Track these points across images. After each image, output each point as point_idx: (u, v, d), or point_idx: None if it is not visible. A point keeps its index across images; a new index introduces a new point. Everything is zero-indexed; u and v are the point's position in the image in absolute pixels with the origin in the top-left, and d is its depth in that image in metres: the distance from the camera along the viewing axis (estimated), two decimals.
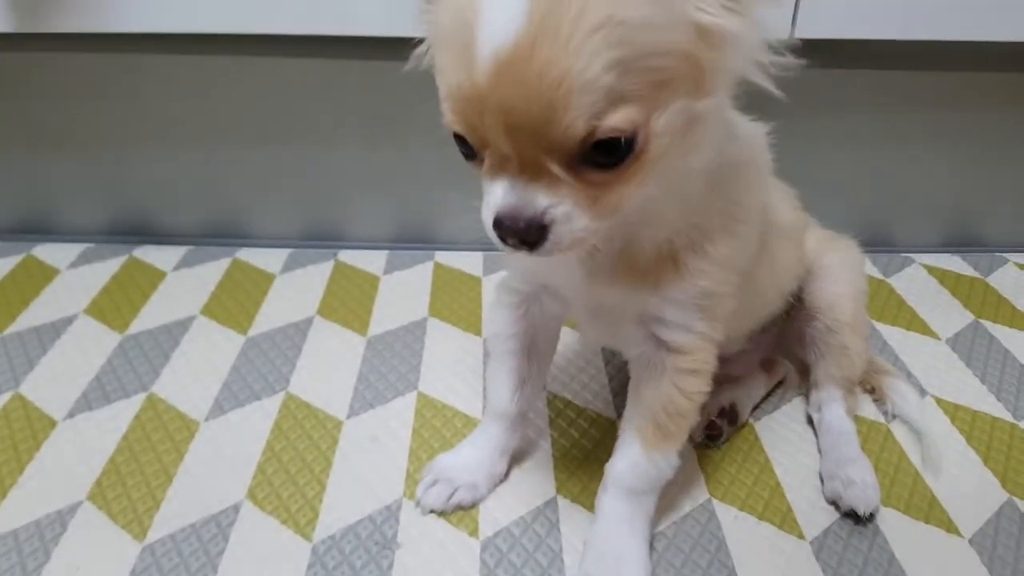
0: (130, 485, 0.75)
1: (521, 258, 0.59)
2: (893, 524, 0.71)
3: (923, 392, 0.89)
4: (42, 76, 1.11)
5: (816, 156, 1.12)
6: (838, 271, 0.81)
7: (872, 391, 0.89)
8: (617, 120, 0.42)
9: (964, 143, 1.12)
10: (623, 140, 0.44)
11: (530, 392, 0.74)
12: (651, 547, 0.68)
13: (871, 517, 0.72)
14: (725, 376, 0.79)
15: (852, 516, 0.72)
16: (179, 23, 1.01)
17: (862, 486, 0.72)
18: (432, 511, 0.72)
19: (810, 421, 0.84)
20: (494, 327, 0.73)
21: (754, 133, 0.62)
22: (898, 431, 0.83)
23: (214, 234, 1.22)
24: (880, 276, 1.14)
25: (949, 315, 1.05)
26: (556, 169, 0.45)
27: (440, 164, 1.15)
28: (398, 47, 1.15)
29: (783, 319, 0.84)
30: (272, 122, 1.14)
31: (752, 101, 0.56)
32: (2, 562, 0.67)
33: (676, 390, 0.63)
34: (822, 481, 0.75)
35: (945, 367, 0.93)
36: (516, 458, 0.78)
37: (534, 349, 0.73)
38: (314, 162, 1.17)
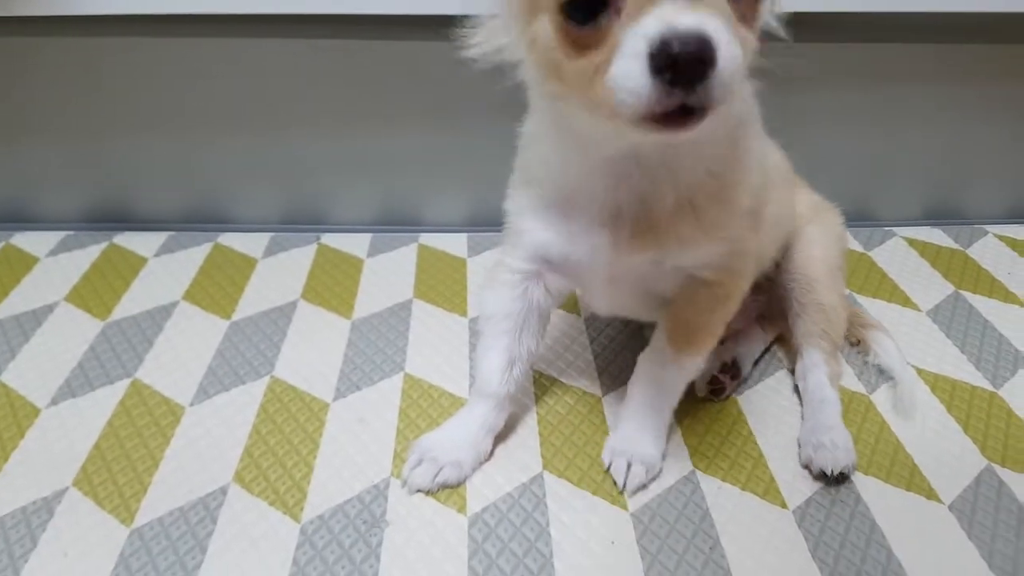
0: (116, 471, 0.75)
1: (539, 233, 0.65)
2: (874, 492, 0.72)
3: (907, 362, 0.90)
4: (18, 63, 1.09)
5: (798, 131, 1.10)
6: (814, 237, 0.85)
7: (857, 343, 0.93)
8: None
9: (944, 116, 1.13)
10: None
11: (519, 373, 0.75)
12: (669, 432, 0.77)
13: (842, 477, 0.73)
14: (726, 331, 0.80)
15: (824, 479, 0.74)
16: (152, 4, 0.99)
17: (831, 448, 0.74)
18: (419, 491, 0.72)
19: (797, 391, 0.85)
20: (488, 307, 0.74)
21: (746, 90, 0.62)
22: (879, 401, 0.84)
23: (195, 219, 1.21)
24: (862, 250, 1.15)
25: (930, 287, 1.06)
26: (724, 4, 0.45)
27: (422, 146, 1.16)
28: (379, 26, 1.15)
29: (772, 281, 0.88)
30: (252, 106, 1.13)
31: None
32: None
33: (708, 310, 0.69)
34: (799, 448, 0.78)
35: (925, 338, 0.95)
36: (502, 436, 0.78)
37: (526, 329, 0.74)
38: (295, 145, 1.16)
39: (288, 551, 0.66)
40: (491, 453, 0.77)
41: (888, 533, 0.68)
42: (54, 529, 0.69)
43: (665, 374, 0.74)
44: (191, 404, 0.83)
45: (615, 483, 0.73)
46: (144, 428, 0.80)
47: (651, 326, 0.77)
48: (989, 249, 1.15)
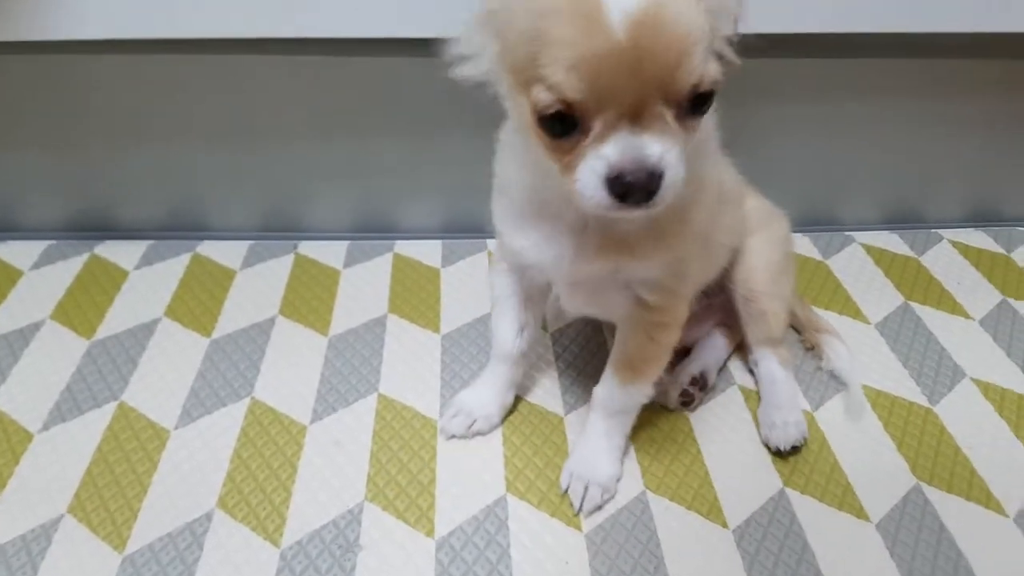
0: (107, 497, 0.80)
1: (512, 239, 0.72)
2: (809, 511, 0.78)
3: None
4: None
5: (763, 139, 1.15)
6: (757, 247, 0.91)
7: (812, 348, 1.00)
8: (714, 71, 0.52)
9: (903, 126, 1.16)
10: (712, 91, 0.52)
11: (529, 335, 0.87)
12: (624, 455, 0.84)
13: (795, 450, 0.85)
14: (686, 343, 0.94)
15: (780, 454, 0.85)
16: (131, 30, 1.01)
17: (783, 426, 0.85)
18: (454, 436, 0.87)
19: (747, 407, 0.91)
20: (496, 290, 0.85)
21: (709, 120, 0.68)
22: (822, 419, 0.90)
23: (175, 228, 1.24)
24: (819, 258, 1.19)
25: (882, 298, 1.10)
26: (669, 117, 0.52)
27: (398, 155, 1.18)
28: (355, 44, 1.17)
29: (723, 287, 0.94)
30: (231, 118, 1.15)
31: None
32: None
33: (649, 340, 0.76)
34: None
35: (872, 352, 1.00)
36: (472, 455, 0.84)
37: (530, 301, 0.85)
38: (273, 155, 1.18)
39: (269, 575, 0.72)
40: (514, 405, 0.91)
41: (818, 552, 0.74)
42: (52, 557, 0.74)
43: (616, 402, 0.80)
44: (175, 427, 0.88)
45: (572, 505, 0.79)
46: (132, 452, 0.85)
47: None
48: (943, 256, 1.19)
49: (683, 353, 0.96)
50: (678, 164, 0.53)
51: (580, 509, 0.78)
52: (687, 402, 0.91)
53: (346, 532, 0.76)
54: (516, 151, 0.68)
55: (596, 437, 0.82)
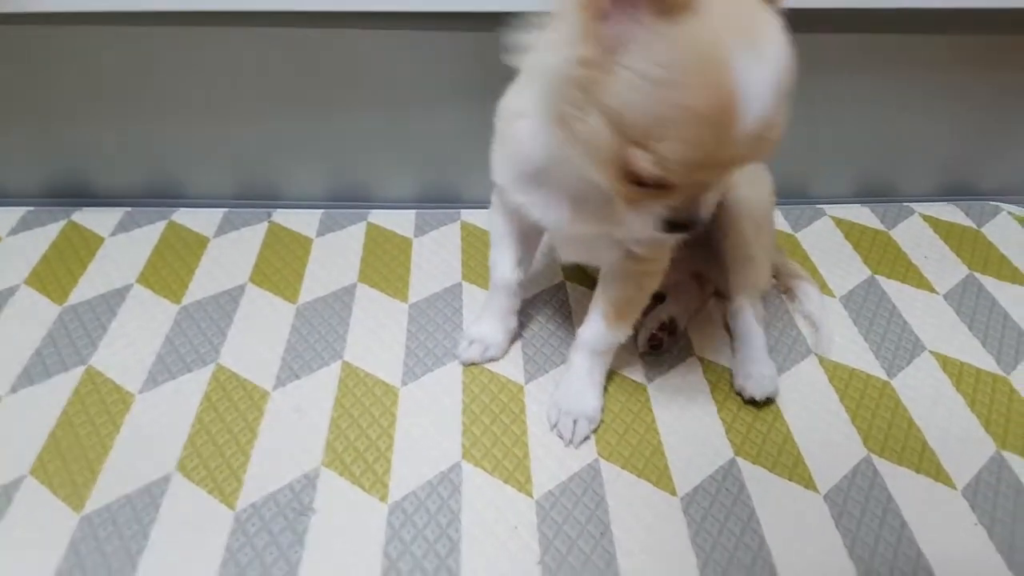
0: (69, 459, 0.81)
1: (512, 195, 0.77)
2: (758, 480, 0.79)
3: (808, 350, 0.97)
4: None
5: None
6: (744, 199, 0.94)
7: (787, 291, 1.06)
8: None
9: (875, 100, 1.15)
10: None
11: (526, 266, 0.93)
12: (604, 390, 0.89)
13: (768, 401, 0.89)
14: (661, 289, 0.96)
15: (754, 404, 0.89)
16: (99, 2, 1.01)
17: (758, 378, 0.90)
18: (471, 363, 0.94)
19: (705, 376, 0.92)
20: (495, 228, 0.91)
21: None
22: (780, 388, 0.90)
23: (152, 195, 1.25)
24: (789, 231, 1.19)
25: (848, 271, 1.10)
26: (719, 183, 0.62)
27: (374, 124, 1.18)
28: (327, 18, 1.17)
29: (705, 239, 0.97)
30: (206, 87, 1.14)
31: None
32: None
33: (636, 287, 0.83)
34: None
35: (835, 325, 1.00)
36: (431, 422, 0.85)
37: (526, 238, 0.90)
38: (247, 124, 1.18)
39: (223, 537, 0.73)
40: (519, 331, 0.98)
41: (764, 520, 0.75)
42: (11, 516, 0.75)
43: (601, 342, 0.86)
44: (140, 391, 0.89)
45: (561, 438, 0.84)
46: (96, 416, 0.86)
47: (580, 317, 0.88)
48: (912, 230, 1.19)
49: (657, 299, 0.99)
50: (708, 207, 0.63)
51: (571, 441, 0.84)
52: (656, 345, 0.96)
53: (301, 496, 0.78)
54: (539, 129, 0.69)
55: (581, 374, 0.87)
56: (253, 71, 1.12)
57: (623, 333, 0.85)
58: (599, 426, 0.85)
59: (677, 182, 0.56)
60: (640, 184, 0.58)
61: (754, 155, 0.56)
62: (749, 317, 0.95)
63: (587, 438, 0.84)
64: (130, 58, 1.11)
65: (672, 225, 0.62)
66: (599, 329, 0.85)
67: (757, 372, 0.90)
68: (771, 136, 0.55)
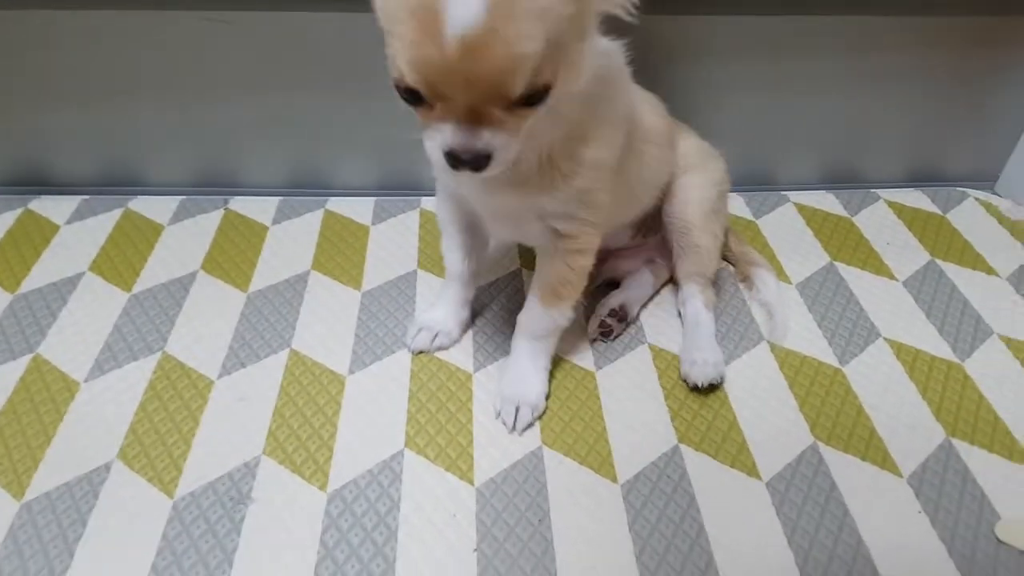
0: (12, 446, 0.81)
1: (439, 172, 0.78)
2: (700, 468, 0.78)
3: (761, 337, 0.96)
4: None
5: (697, 98, 1.13)
6: (693, 182, 0.95)
7: (744, 279, 1.05)
8: (546, 77, 0.56)
9: (841, 84, 1.13)
10: (551, 82, 0.57)
11: (476, 257, 0.93)
12: (550, 376, 0.88)
13: (712, 387, 0.88)
14: (616, 276, 1.02)
15: (697, 390, 0.88)
16: None
17: (702, 364, 0.89)
18: (421, 351, 0.93)
19: (654, 364, 0.91)
20: (438, 213, 0.91)
21: (612, 48, 0.73)
22: (726, 379, 0.89)
23: (109, 183, 1.23)
24: (750, 217, 1.18)
25: (807, 258, 1.09)
26: (498, 112, 0.57)
27: (331, 111, 1.16)
28: (284, 1, 1.15)
29: (657, 225, 0.98)
30: (163, 72, 1.13)
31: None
32: None
33: (566, 266, 0.81)
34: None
35: (789, 312, 0.99)
36: (377, 411, 0.85)
37: (472, 225, 0.89)
38: (204, 110, 1.16)
39: (159, 526, 0.73)
40: (471, 321, 0.97)
41: (704, 508, 0.74)
42: None
43: (539, 325, 0.85)
44: (85, 380, 0.89)
45: (505, 426, 0.83)
46: (41, 404, 0.86)
47: None
48: (876, 216, 1.17)
49: (611, 286, 1.01)
50: (507, 146, 0.59)
51: (513, 428, 0.83)
52: (606, 333, 0.96)
53: (240, 485, 0.77)
54: None
55: (523, 360, 0.86)
56: (211, 57, 1.11)
57: (561, 315, 0.84)
58: (544, 413, 0.85)
59: (422, 92, 0.56)
60: (407, 101, 0.59)
61: (475, 65, 0.52)
62: (698, 304, 0.96)
63: (530, 425, 0.83)
64: (86, 44, 1.10)
65: (452, 162, 0.60)
66: (535, 311, 0.84)
67: (701, 359, 0.89)
68: (490, 45, 0.51)
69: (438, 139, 0.59)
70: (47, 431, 0.83)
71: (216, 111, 1.16)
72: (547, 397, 0.86)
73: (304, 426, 0.83)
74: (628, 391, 0.88)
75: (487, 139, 0.58)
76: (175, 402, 0.86)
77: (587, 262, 0.82)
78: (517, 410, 0.83)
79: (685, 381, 0.89)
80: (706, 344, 0.91)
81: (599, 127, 0.72)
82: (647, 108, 0.87)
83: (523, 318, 0.86)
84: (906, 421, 0.84)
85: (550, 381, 0.88)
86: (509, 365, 0.87)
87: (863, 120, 1.18)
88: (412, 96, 0.58)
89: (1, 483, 0.77)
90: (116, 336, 0.95)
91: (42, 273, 1.06)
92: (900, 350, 0.93)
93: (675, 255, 0.97)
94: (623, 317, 0.97)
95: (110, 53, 1.11)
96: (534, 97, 0.57)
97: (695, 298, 0.95)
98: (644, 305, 1.01)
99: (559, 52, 0.55)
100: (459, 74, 0.53)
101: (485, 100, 0.56)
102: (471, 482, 0.77)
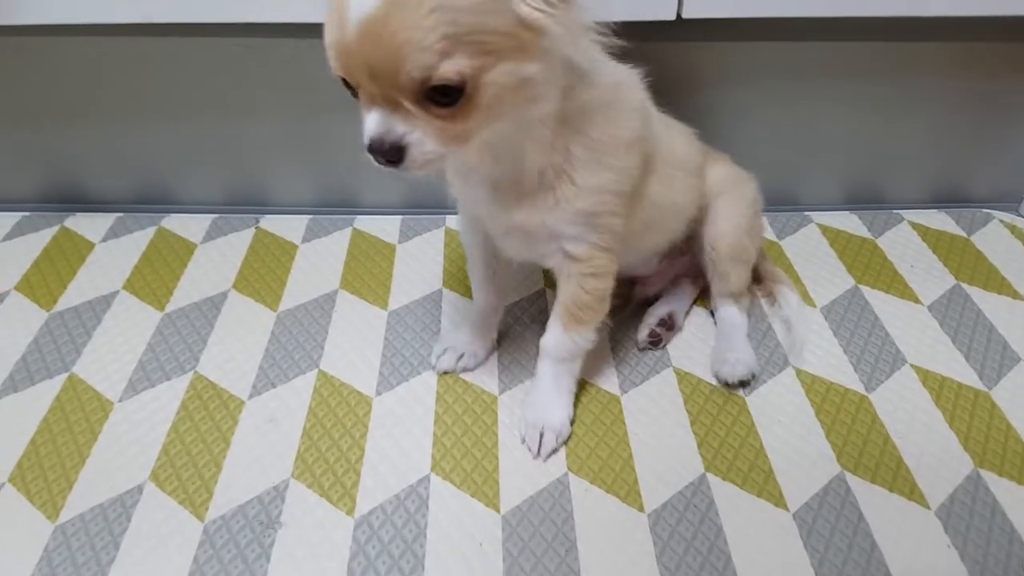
0: (47, 467, 0.83)
1: (456, 188, 0.81)
2: (728, 497, 0.78)
3: (786, 362, 0.95)
4: None
5: (722, 120, 1.14)
6: (723, 209, 0.96)
7: (767, 296, 1.06)
8: (445, 71, 0.56)
9: (865, 107, 1.13)
10: (455, 85, 0.58)
11: (500, 278, 0.94)
12: (574, 399, 0.88)
13: (743, 384, 0.91)
14: (647, 295, 1.04)
15: (728, 387, 0.91)
16: (96, 14, 1.02)
17: (733, 363, 0.92)
18: (446, 372, 0.94)
19: (680, 389, 0.92)
20: (462, 235, 0.93)
21: (621, 78, 0.75)
22: (753, 403, 0.89)
23: (143, 201, 1.26)
24: (774, 238, 1.17)
25: (831, 280, 1.09)
26: (407, 104, 0.59)
27: (359, 131, 1.17)
28: (310, 29, 1.17)
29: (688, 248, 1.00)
30: (197, 94, 1.15)
31: None
32: None
33: (580, 289, 0.81)
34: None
35: (815, 336, 0.99)
36: (403, 434, 0.86)
37: (496, 247, 0.88)
38: (236, 130, 1.19)
39: (191, 549, 0.74)
40: (497, 342, 0.98)
41: (731, 540, 0.74)
42: None
43: (562, 349, 0.85)
44: (119, 400, 0.91)
45: (530, 451, 0.83)
46: (75, 424, 0.88)
47: None
48: (900, 238, 1.16)
49: (647, 304, 1.03)
50: (422, 142, 0.61)
51: (538, 454, 0.83)
52: (655, 341, 0.98)
53: (269, 508, 0.78)
54: None
55: (546, 384, 0.87)
56: (242, 78, 1.13)
57: (582, 339, 0.84)
58: (569, 438, 0.85)
59: (346, 78, 0.60)
60: (348, 89, 0.62)
61: (371, 50, 0.56)
62: (731, 309, 0.98)
63: (555, 451, 0.84)
64: (124, 67, 1.12)
65: (371, 153, 0.62)
66: (557, 335, 0.84)
67: (733, 357, 0.92)
68: (383, 32, 0.54)
69: (363, 132, 0.62)
70: (81, 451, 0.85)
71: (247, 131, 1.19)
72: (572, 422, 0.86)
73: (332, 448, 0.84)
74: (654, 416, 0.88)
75: (399, 131, 0.60)
76: (206, 423, 0.88)
77: (603, 285, 0.82)
78: (541, 435, 0.84)
79: (716, 379, 0.92)
80: (740, 344, 0.94)
81: (597, 152, 0.73)
82: (677, 136, 0.88)
83: (545, 341, 0.86)
84: (933, 451, 0.84)
85: (576, 405, 0.88)
86: (534, 389, 0.88)
87: (887, 140, 1.17)
88: (345, 84, 0.62)
89: (36, 504, 0.79)
90: (149, 355, 0.97)
91: (77, 291, 1.08)
92: (926, 377, 0.92)
93: (709, 276, 0.98)
94: (671, 325, 0.99)
95: (145, 76, 1.14)
96: (445, 93, 0.58)
97: (727, 305, 0.98)
98: (687, 313, 1.03)
99: (480, 58, 0.57)
100: (360, 57, 0.57)
101: (389, 87, 0.58)
102: (497, 509, 0.78)
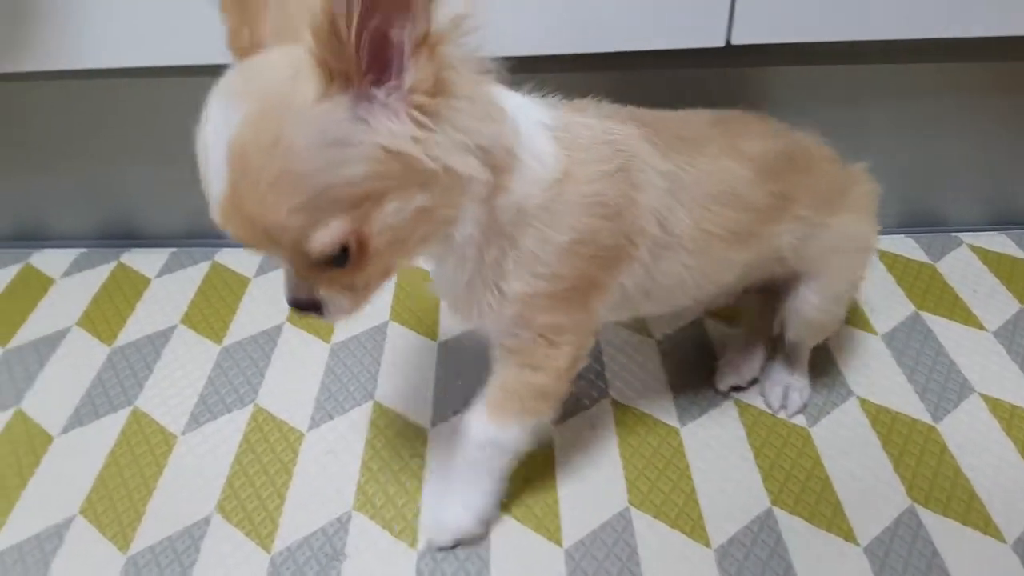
0: (116, 499, 0.85)
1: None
2: (795, 531, 0.77)
3: (850, 392, 0.93)
4: (24, 102, 1.16)
5: None
6: (815, 288, 0.81)
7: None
8: (315, 243, 0.52)
9: (924, 125, 1.11)
10: (336, 249, 0.53)
11: None
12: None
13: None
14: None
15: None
16: (155, 58, 1.06)
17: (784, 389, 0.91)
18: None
19: (741, 421, 0.90)
20: None
21: (574, 163, 0.63)
22: (818, 435, 0.87)
23: (196, 235, 1.29)
24: None
25: (891, 306, 1.06)
26: (303, 272, 0.57)
27: None
28: None
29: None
30: None
31: None
32: (13, 571, 0.77)
33: (513, 379, 0.72)
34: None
35: (876, 365, 0.97)
36: None
37: None
38: None
39: None
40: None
41: (801, 574, 0.73)
42: (63, 556, 0.79)
43: (480, 438, 0.73)
44: (183, 433, 0.92)
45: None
46: (141, 456, 0.89)
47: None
48: (960, 262, 1.14)
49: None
50: (335, 299, 0.59)
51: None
52: (736, 388, 0.94)
53: (333, 540, 0.79)
54: None
55: (458, 472, 0.77)
56: None
57: (506, 434, 0.72)
58: (631, 471, 0.84)
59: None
60: None
61: (233, 230, 0.52)
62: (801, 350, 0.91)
63: (448, 548, 0.77)
64: (177, 106, 1.15)
65: (292, 306, 0.60)
66: (480, 418, 0.73)
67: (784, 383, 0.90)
68: (236, 215, 0.51)
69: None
70: (148, 484, 0.86)
71: None
72: (486, 526, 0.78)
73: (391, 481, 0.85)
74: (715, 450, 0.87)
75: (306, 290, 0.58)
76: (268, 455, 0.89)
77: (541, 381, 0.71)
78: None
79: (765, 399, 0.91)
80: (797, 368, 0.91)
81: (528, 264, 0.64)
82: (674, 211, 0.70)
83: (467, 419, 0.75)
84: (1006, 483, 0.81)
85: (632, 437, 0.87)
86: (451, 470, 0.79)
87: (943, 161, 1.15)
88: None
89: (108, 535, 0.81)
90: (210, 388, 0.98)
91: (136, 326, 1.11)
92: (995, 406, 0.90)
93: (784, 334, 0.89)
94: (755, 381, 0.95)
95: (193, 116, 1.16)
96: (331, 258, 0.53)
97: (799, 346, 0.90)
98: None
99: (356, 210, 0.52)
100: (236, 232, 0.53)
101: (276, 258, 0.56)
102: (559, 543, 0.77)
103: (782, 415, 0.90)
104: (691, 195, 0.70)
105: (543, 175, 0.62)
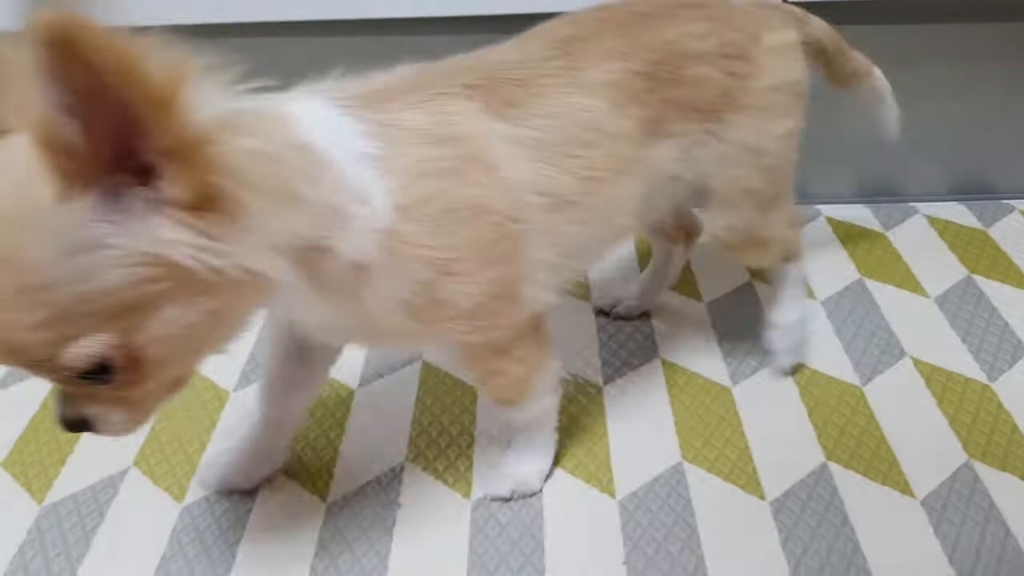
0: (168, 452, 0.86)
1: None
2: (851, 485, 0.77)
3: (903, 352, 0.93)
4: None
5: (820, 106, 1.11)
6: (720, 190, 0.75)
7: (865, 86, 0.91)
8: (67, 360, 0.45)
9: (972, 92, 1.10)
10: (93, 366, 0.46)
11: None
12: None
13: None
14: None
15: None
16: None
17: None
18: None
19: (793, 378, 0.90)
20: None
21: (379, 222, 0.54)
22: (871, 393, 0.87)
23: None
24: (880, 229, 1.15)
25: (943, 271, 1.05)
26: (67, 388, 0.51)
27: None
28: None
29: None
30: None
31: None
32: (68, 520, 0.78)
33: (490, 386, 0.73)
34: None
35: (929, 326, 0.96)
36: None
37: None
38: None
39: (315, 529, 0.76)
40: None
41: (858, 527, 0.73)
42: (118, 505, 0.80)
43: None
44: (234, 389, 0.93)
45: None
46: (193, 411, 0.91)
47: None
48: (1013, 228, 1.13)
49: None
50: (106, 417, 0.52)
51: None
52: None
53: (387, 490, 0.79)
54: None
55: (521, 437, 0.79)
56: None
57: (523, 412, 0.75)
58: (683, 427, 0.84)
59: None
60: None
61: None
62: (782, 282, 0.89)
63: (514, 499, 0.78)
64: None
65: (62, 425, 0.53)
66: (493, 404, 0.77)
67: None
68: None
69: None
70: (201, 438, 0.87)
71: None
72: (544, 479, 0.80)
73: (443, 434, 0.85)
74: (768, 408, 0.86)
75: (74, 408, 0.52)
76: (320, 409, 0.89)
77: (516, 374, 0.69)
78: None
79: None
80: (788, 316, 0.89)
81: (379, 315, 0.59)
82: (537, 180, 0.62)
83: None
84: None
85: (683, 395, 0.87)
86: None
87: (994, 128, 1.14)
88: None
89: (162, 485, 0.82)
90: (260, 347, 0.99)
91: None
92: None
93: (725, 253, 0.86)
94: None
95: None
96: (90, 374, 0.46)
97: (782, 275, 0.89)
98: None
99: (120, 321, 0.45)
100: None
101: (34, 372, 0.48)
102: (612, 495, 0.78)
103: (858, 382, 0.88)
104: (551, 148, 0.62)
105: (373, 223, 0.53)
